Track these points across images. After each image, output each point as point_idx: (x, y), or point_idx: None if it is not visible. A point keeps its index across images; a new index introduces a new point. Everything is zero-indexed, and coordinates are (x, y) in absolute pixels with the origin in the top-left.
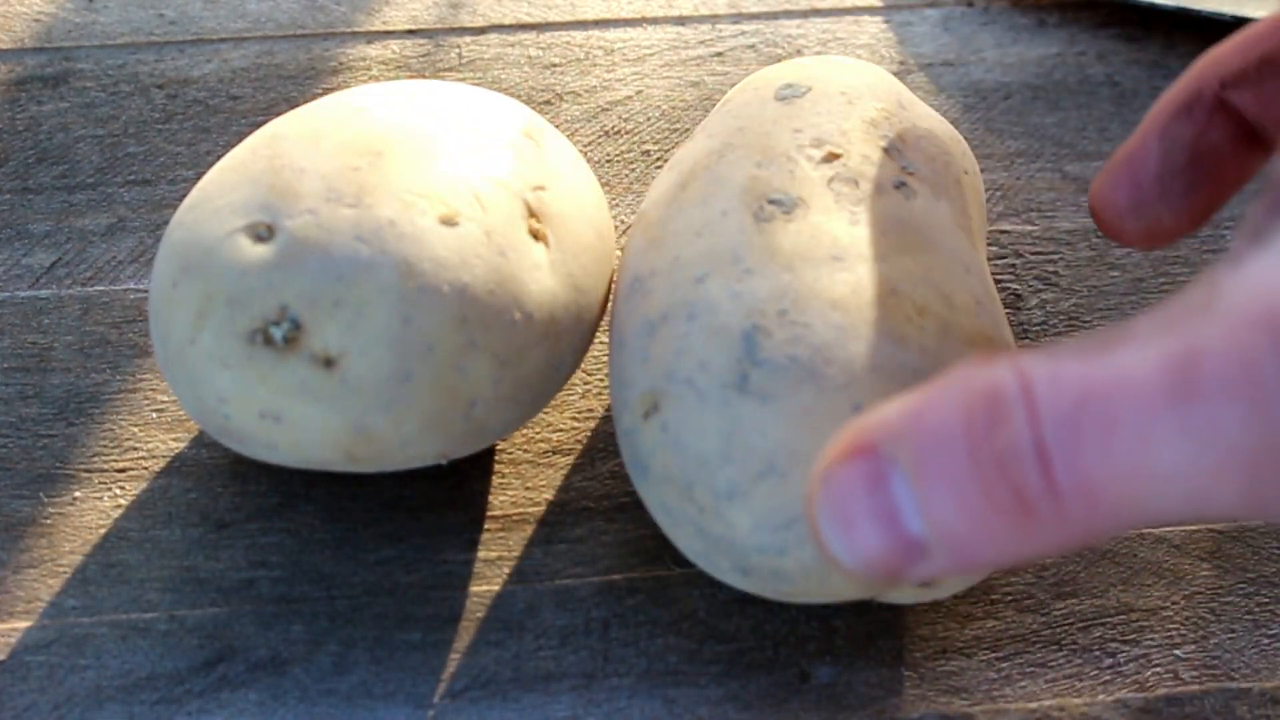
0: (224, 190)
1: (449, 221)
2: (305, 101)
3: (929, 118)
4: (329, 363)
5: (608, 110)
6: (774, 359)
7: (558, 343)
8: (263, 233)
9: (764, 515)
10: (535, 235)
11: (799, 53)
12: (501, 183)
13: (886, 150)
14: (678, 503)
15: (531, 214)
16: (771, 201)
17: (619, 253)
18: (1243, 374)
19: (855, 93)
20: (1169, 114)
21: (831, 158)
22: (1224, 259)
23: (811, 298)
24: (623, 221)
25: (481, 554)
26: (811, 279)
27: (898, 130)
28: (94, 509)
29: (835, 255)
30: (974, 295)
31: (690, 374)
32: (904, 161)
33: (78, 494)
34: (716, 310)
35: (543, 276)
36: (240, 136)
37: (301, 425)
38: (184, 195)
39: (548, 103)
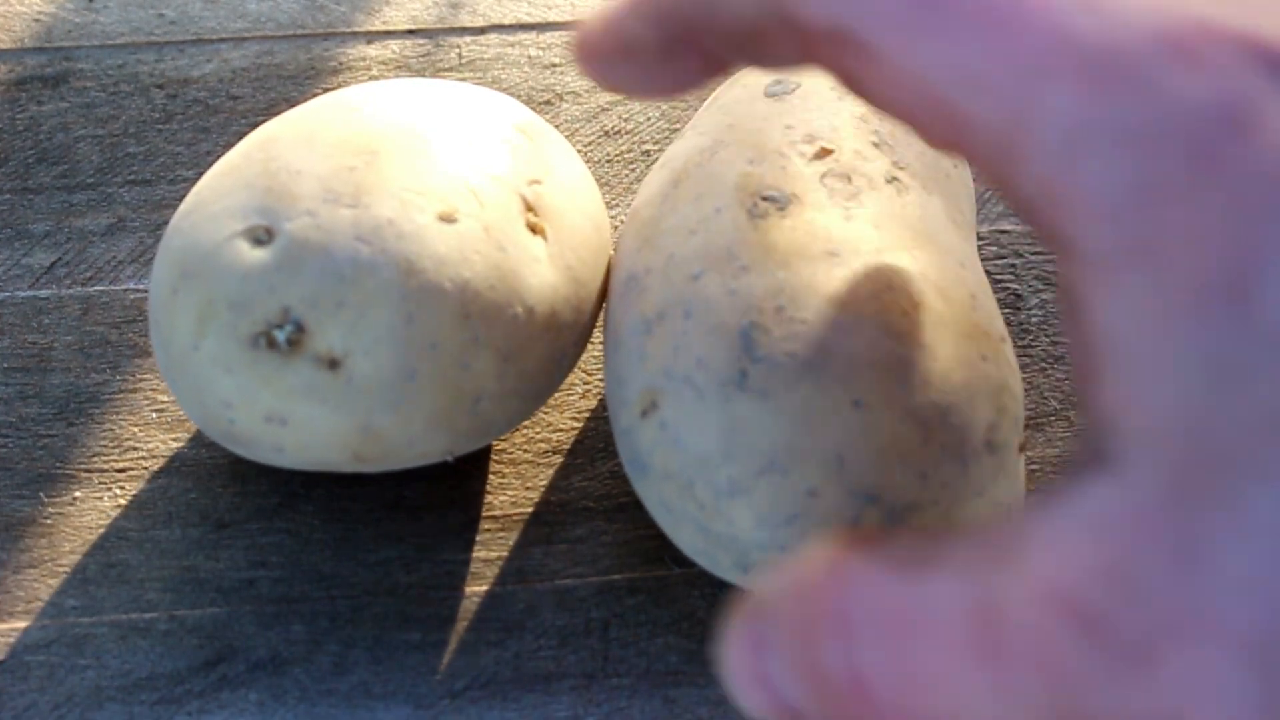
0: (220, 195)
1: (448, 218)
2: (305, 101)
3: None
4: (333, 364)
5: (608, 110)
6: (772, 355)
7: (559, 335)
8: (262, 236)
9: (766, 511)
10: (533, 229)
11: None
12: (498, 178)
13: (877, 145)
14: (678, 501)
15: (528, 208)
16: (765, 198)
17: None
18: (1041, 653)
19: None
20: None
21: (824, 154)
22: (1043, 493)
23: (808, 294)
24: (622, 221)
25: (481, 554)
26: (808, 275)
27: (887, 125)
28: (94, 509)
29: (831, 251)
30: (969, 289)
31: (688, 372)
32: (895, 156)
33: (78, 494)
34: (713, 308)
35: (542, 270)
36: (240, 136)
37: (308, 427)
38: (184, 195)
39: (548, 103)
